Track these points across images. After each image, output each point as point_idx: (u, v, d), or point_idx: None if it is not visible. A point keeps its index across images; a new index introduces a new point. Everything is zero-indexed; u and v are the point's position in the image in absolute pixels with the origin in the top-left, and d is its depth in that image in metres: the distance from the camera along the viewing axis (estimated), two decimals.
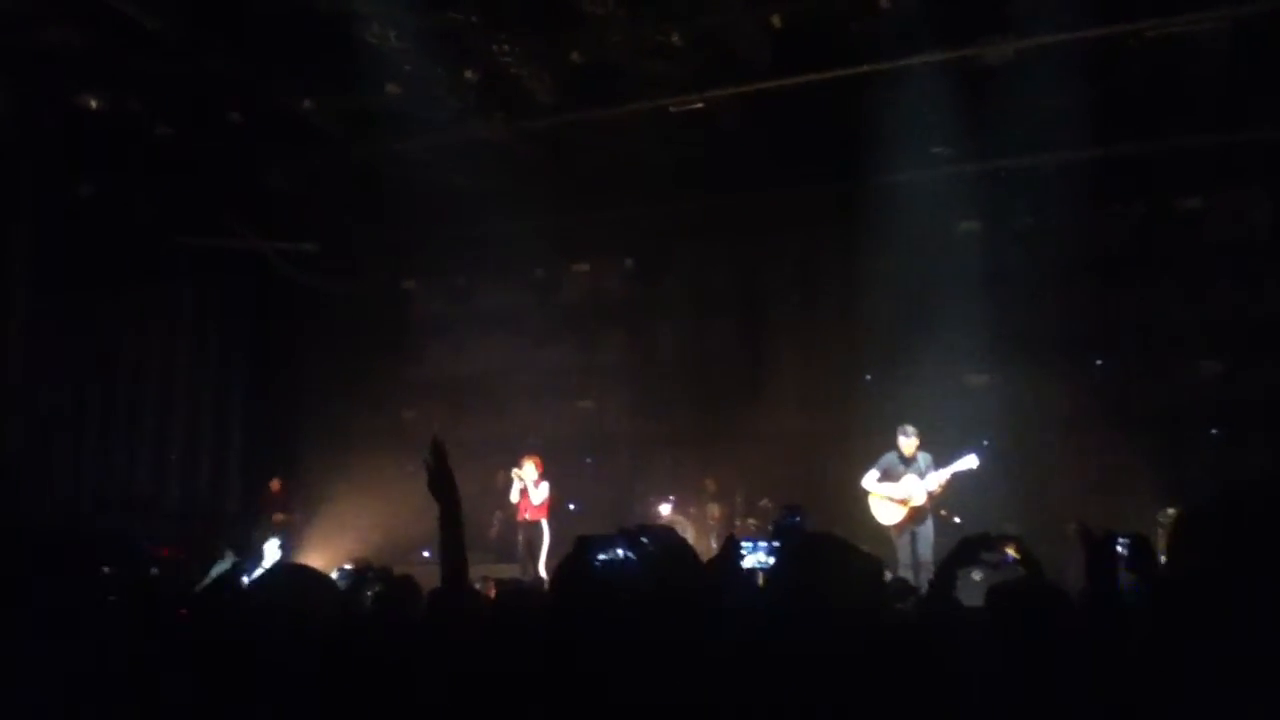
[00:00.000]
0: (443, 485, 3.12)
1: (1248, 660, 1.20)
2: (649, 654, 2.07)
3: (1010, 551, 3.37)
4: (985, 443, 10.86)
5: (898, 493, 10.29)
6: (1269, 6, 10.02)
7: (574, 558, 2.25)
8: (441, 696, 2.66)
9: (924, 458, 10.29)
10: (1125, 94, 11.08)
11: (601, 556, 2.23)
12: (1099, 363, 12.67)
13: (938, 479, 10.16)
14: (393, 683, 2.76)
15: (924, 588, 8.65)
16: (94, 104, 11.60)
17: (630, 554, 2.17)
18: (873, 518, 10.40)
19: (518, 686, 2.33)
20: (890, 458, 10.43)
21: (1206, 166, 11.92)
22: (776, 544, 9.13)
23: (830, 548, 2.26)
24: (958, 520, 10.88)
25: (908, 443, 10.33)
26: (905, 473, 10.31)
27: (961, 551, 3.17)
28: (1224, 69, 10.68)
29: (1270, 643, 1.19)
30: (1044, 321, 12.31)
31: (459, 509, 3.11)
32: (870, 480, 10.44)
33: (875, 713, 1.94)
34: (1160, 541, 9.60)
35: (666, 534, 2.21)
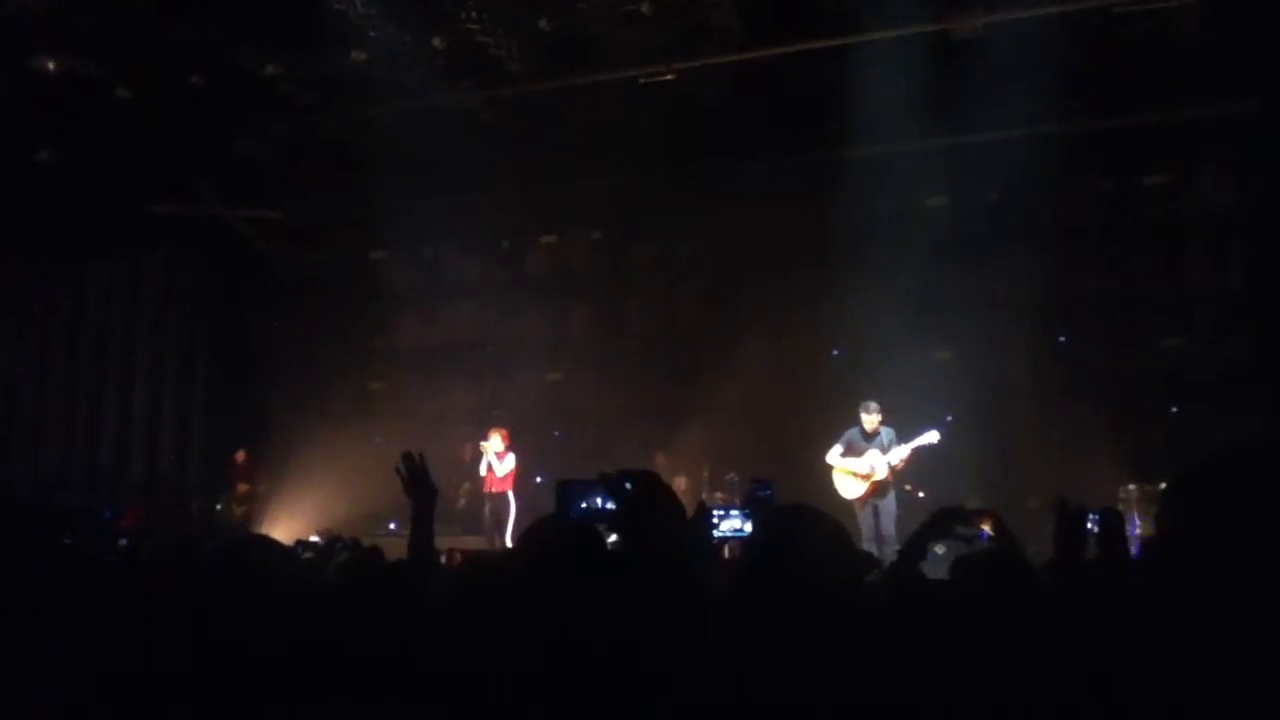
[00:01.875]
0: (420, 491, 3.14)
1: (1241, 635, 1.19)
2: (624, 616, 2.07)
3: (985, 527, 3.36)
4: (949, 418, 10.93)
5: (860, 467, 10.37)
6: None
7: (556, 507, 2.25)
8: (407, 663, 2.64)
9: (886, 433, 10.37)
10: (1093, 70, 11.12)
11: (582, 505, 2.23)
12: (1062, 339, 12.76)
13: (899, 454, 10.24)
14: (360, 651, 2.74)
15: (887, 561, 8.73)
16: (52, 66, 11.34)
17: (609, 502, 2.16)
18: (836, 492, 10.48)
19: (484, 653, 2.32)
20: (853, 433, 10.50)
21: (1173, 142, 12.01)
22: (747, 511, 9.18)
23: (810, 516, 2.26)
24: (921, 495, 10.95)
25: (870, 419, 10.41)
26: (868, 448, 10.38)
27: (935, 523, 3.17)
28: (1193, 45, 10.74)
29: (1265, 617, 1.18)
30: (1009, 296, 12.38)
31: (432, 512, 3.15)
32: (833, 455, 10.53)
33: (850, 679, 1.95)
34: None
35: (650, 479, 2.19)
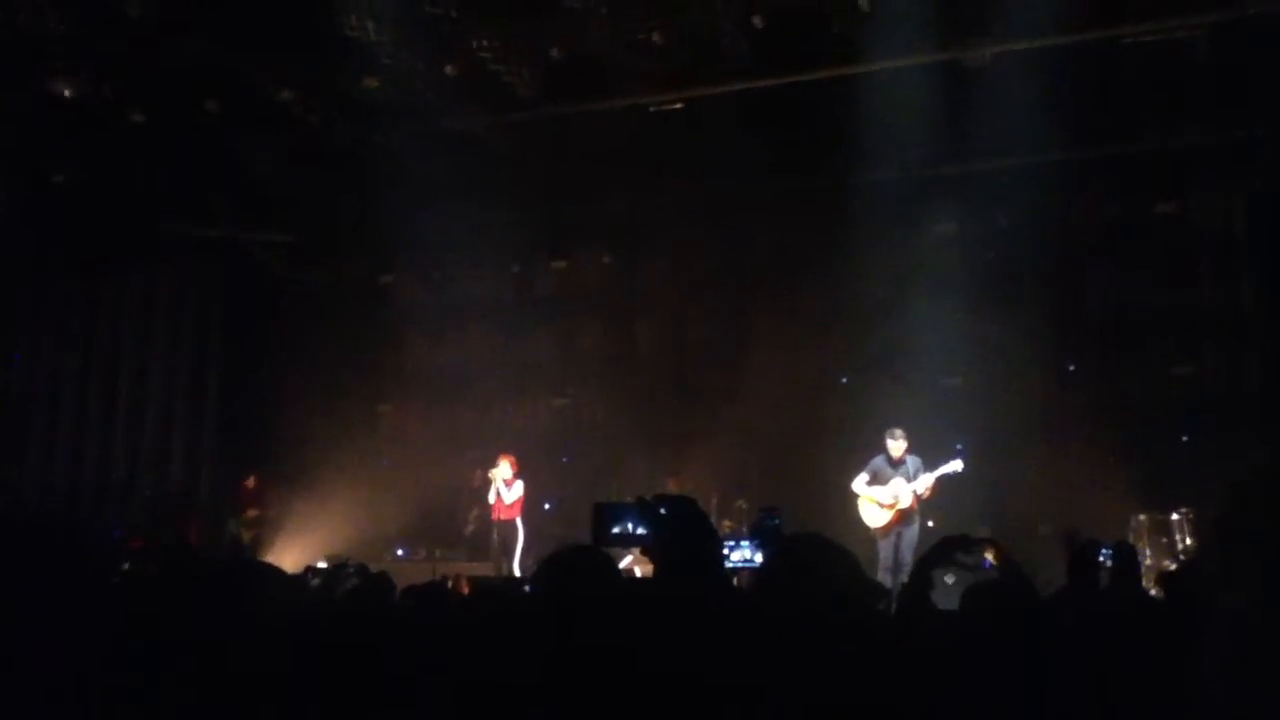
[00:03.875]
0: None
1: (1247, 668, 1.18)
2: (637, 642, 2.08)
3: (988, 556, 3.32)
4: (959, 445, 10.92)
5: (885, 496, 10.35)
6: (1246, 13, 10.12)
7: (592, 529, 2.25)
8: (417, 687, 2.65)
9: (912, 461, 10.36)
10: (1103, 97, 11.16)
11: (616, 530, 2.22)
12: (1071, 366, 12.73)
13: (925, 482, 10.23)
14: (368, 674, 2.74)
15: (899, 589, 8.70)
16: (66, 91, 11.43)
17: (641, 528, 2.16)
18: (854, 519, 10.45)
19: (493, 677, 2.32)
20: (879, 461, 10.50)
21: (1183, 169, 12.03)
22: (759, 542, 9.18)
23: (821, 545, 2.26)
24: (931, 524, 10.92)
25: (896, 445, 10.41)
26: (893, 475, 10.37)
27: (937, 552, 3.16)
28: (1203, 72, 10.77)
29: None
30: (1018, 323, 12.37)
31: None
32: (860, 484, 10.52)
33: (860, 707, 1.95)
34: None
35: (686, 504, 2.18)
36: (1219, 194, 12.44)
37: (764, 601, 2.26)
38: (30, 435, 15.03)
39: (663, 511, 2.17)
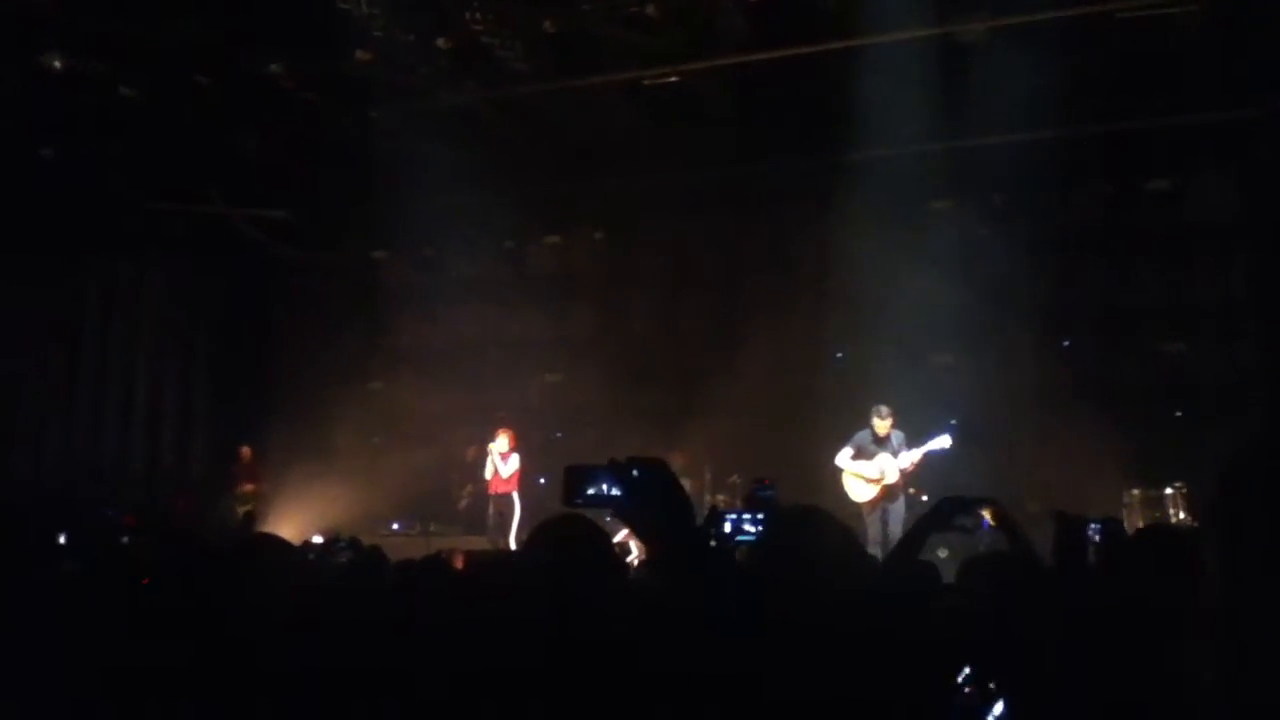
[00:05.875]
0: None
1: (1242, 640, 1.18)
2: (628, 615, 2.08)
3: (987, 516, 3.27)
4: (953, 421, 10.92)
5: (871, 471, 10.36)
6: None
7: (564, 491, 2.24)
8: (413, 663, 2.65)
9: (897, 436, 10.37)
10: (1099, 74, 11.13)
11: (589, 491, 2.21)
12: (1066, 344, 12.76)
13: (910, 458, 10.24)
14: (366, 650, 2.75)
15: None
16: (57, 65, 11.34)
17: (615, 490, 2.16)
18: (842, 494, 10.46)
19: (486, 651, 2.33)
20: (863, 436, 10.49)
21: (1177, 147, 12.02)
22: (759, 515, 9.18)
23: (820, 519, 2.27)
24: (925, 498, 10.94)
25: (881, 423, 10.41)
26: (878, 451, 10.38)
27: (936, 514, 3.11)
28: (1198, 50, 10.75)
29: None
30: (1013, 300, 12.39)
31: None
32: (844, 458, 10.52)
33: (858, 680, 1.95)
34: (1127, 521, 9.72)
35: (659, 468, 2.18)
36: (1213, 172, 12.45)
37: (761, 573, 2.26)
38: (21, 414, 15.00)
39: (635, 473, 2.16)
